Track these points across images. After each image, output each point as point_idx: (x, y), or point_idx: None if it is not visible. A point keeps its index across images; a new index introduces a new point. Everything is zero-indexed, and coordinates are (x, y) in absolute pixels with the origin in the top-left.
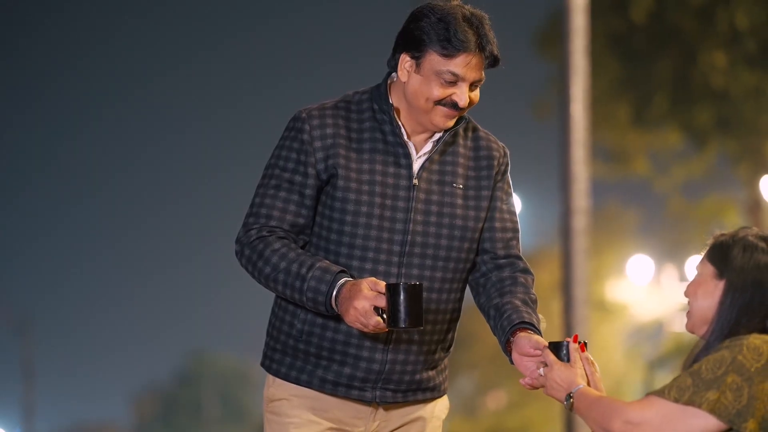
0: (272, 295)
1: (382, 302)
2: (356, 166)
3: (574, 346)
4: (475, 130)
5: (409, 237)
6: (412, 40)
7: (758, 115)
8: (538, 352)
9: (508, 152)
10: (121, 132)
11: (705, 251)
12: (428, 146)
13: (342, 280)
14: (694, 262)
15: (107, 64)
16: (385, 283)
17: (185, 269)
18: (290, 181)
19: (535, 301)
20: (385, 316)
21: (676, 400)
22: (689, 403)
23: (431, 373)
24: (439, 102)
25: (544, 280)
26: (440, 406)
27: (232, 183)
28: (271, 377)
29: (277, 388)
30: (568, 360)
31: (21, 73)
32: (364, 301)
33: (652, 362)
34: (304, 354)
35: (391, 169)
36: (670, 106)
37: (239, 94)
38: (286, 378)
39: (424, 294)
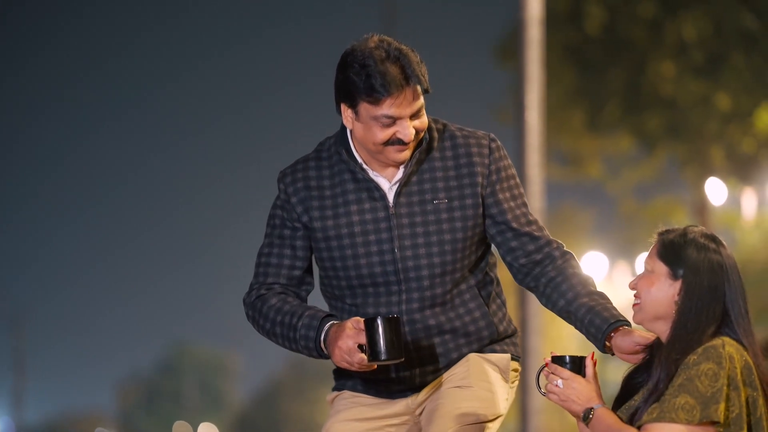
0: (245, 290)
1: (363, 339)
2: (332, 213)
3: (591, 363)
4: (453, 137)
5: (400, 264)
6: (344, 92)
7: (704, 122)
8: (640, 348)
9: (493, 141)
10: (116, 138)
11: (655, 248)
12: (400, 173)
13: (328, 324)
14: (644, 259)
15: (113, 71)
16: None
17: (168, 266)
18: (281, 236)
19: (592, 283)
20: (368, 352)
21: (689, 422)
22: (705, 419)
23: (473, 346)
24: (385, 143)
25: (503, 276)
26: (491, 356)
27: (221, 185)
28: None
29: (331, 395)
30: (579, 374)
31: (30, 77)
32: (347, 340)
33: (603, 354)
34: (348, 373)
35: (367, 205)
36: (621, 113)
37: (238, 104)
38: (335, 389)
39: (436, 309)
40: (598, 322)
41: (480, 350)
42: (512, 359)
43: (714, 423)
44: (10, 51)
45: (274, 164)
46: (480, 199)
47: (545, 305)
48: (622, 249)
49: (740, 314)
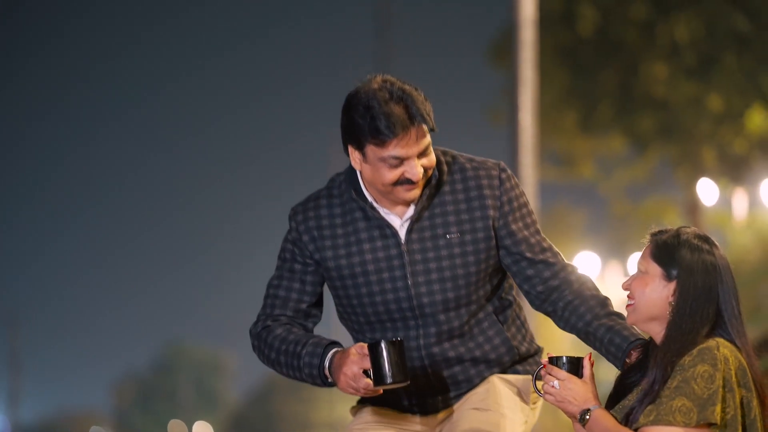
0: (241, 290)
1: (368, 363)
2: (345, 252)
3: (588, 363)
4: (462, 169)
5: (415, 301)
6: (350, 135)
7: (696, 123)
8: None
9: (503, 170)
10: (113, 138)
11: (648, 249)
12: (411, 209)
13: (332, 351)
14: (636, 259)
15: (112, 72)
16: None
17: (163, 266)
18: (291, 270)
19: (610, 303)
20: (373, 377)
21: (686, 424)
22: (703, 421)
23: (494, 370)
24: (394, 183)
25: None
26: (512, 377)
27: (219, 185)
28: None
29: (355, 407)
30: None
31: (29, 78)
32: (352, 365)
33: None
34: (368, 398)
35: (379, 243)
36: (614, 114)
37: (238, 104)
38: (359, 403)
39: (455, 341)
40: (618, 341)
41: (502, 372)
42: None
43: (710, 425)
44: (9, 51)
45: (274, 164)
46: (492, 232)
47: (563, 328)
48: (614, 249)
49: (733, 315)
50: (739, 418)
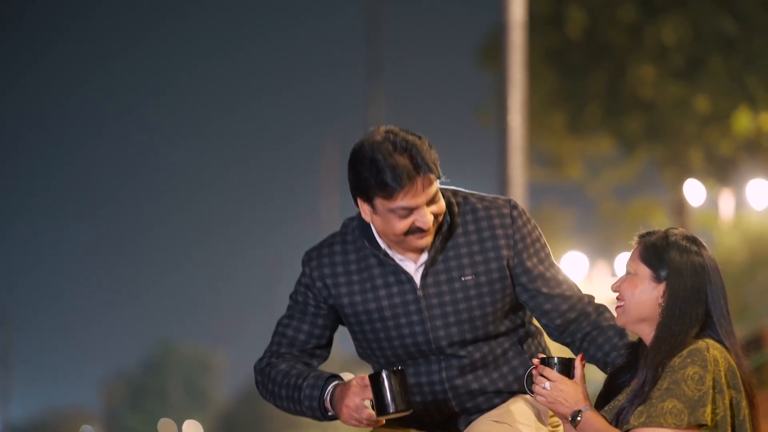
0: (231, 290)
1: (369, 394)
2: (361, 298)
3: (579, 365)
4: (474, 210)
5: (434, 345)
6: (358, 188)
7: (683, 124)
8: None
9: (514, 208)
10: (110, 141)
11: (637, 251)
12: (425, 254)
13: (332, 384)
14: (623, 259)
15: (110, 74)
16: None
17: (154, 266)
18: (302, 312)
19: (627, 333)
20: (375, 407)
21: (677, 426)
22: (694, 422)
23: (517, 395)
24: (406, 233)
25: None
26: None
27: (212, 186)
28: None
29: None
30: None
31: (31, 78)
32: (354, 397)
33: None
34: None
35: (395, 289)
36: (602, 116)
37: (236, 105)
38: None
39: (478, 372)
40: None
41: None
42: None
43: (701, 426)
44: (10, 51)
45: (269, 165)
46: (507, 271)
47: (578, 353)
48: (601, 249)
49: (722, 315)
50: (729, 419)
